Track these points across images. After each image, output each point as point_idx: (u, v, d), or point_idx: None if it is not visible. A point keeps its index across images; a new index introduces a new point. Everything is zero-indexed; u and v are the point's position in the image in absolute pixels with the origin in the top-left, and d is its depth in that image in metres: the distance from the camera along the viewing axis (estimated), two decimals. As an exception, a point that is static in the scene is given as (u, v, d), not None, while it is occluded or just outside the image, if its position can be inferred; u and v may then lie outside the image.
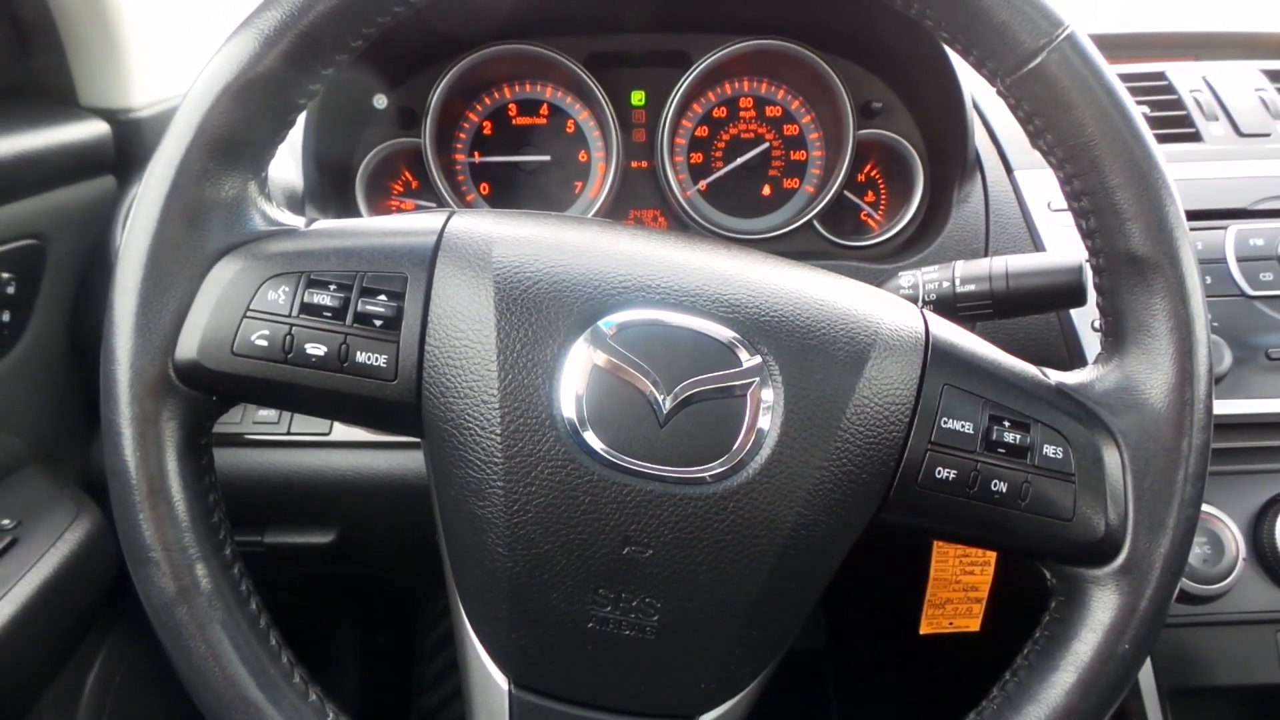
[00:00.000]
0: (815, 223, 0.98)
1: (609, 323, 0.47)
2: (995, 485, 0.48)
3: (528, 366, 0.46)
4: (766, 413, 0.46)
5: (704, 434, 0.46)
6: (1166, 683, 0.80)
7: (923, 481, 0.48)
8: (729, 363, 0.47)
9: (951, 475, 0.48)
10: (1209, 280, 0.83)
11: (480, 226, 0.50)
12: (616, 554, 0.46)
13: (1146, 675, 0.80)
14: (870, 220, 1.02)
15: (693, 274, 0.49)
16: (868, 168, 1.02)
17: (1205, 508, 0.79)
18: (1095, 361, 0.52)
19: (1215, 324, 0.82)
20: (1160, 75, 0.97)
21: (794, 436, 0.46)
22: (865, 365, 0.48)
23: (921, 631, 0.82)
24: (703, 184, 1.02)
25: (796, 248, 0.98)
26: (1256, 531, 0.80)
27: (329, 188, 0.94)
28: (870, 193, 1.03)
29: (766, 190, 1.03)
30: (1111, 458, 0.49)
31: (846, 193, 1.01)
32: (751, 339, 0.47)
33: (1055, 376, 0.51)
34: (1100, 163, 0.48)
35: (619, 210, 1.03)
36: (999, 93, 0.51)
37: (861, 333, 0.48)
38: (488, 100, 1.03)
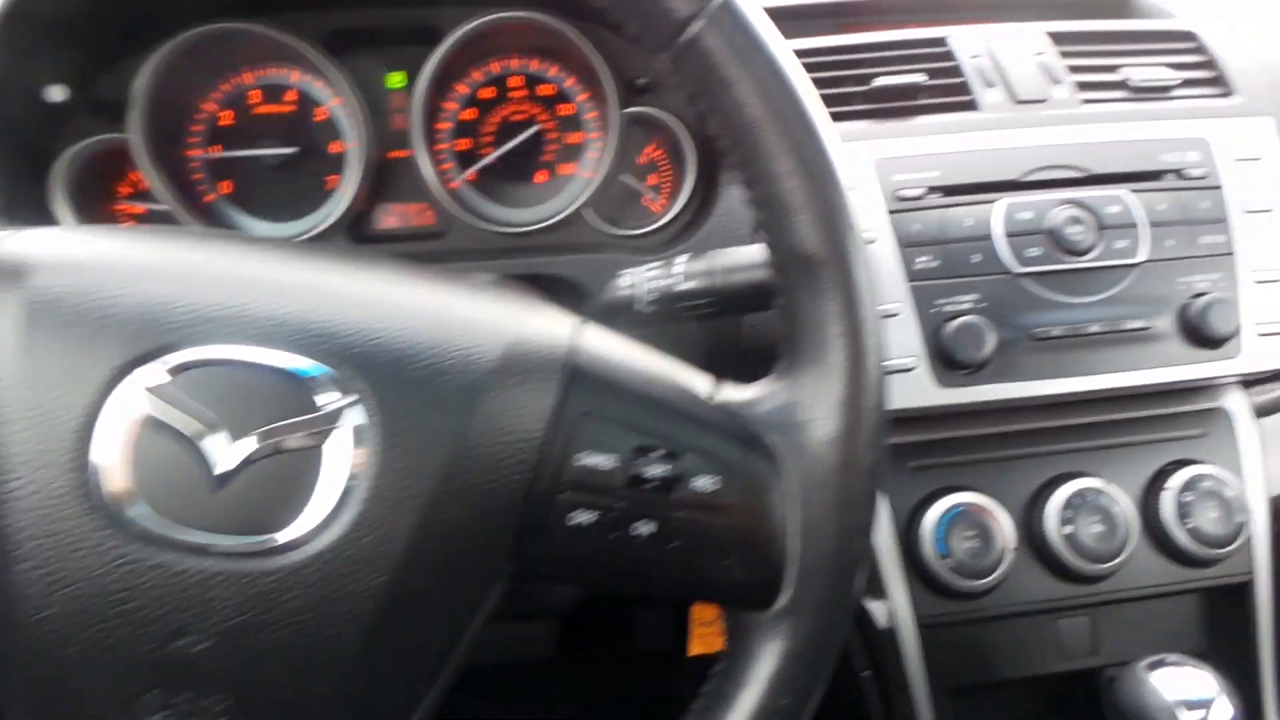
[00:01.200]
0: (583, 212, 0.91)
1: (164, 362, 0.39)
2: (641, 527, 0.42)
3: (51, 423, 0.38)
4: (355, 463, 0.39)
5: (275, 494, 0.38)
6: (945, 682, 0.77)
7: (555, 530, 0.41)
8: (311, 406, 0.39)
9: (591, 519, 0.41)
10: (977, 259, 0.79)
11: (16, 249, 0.41)
12: (163, 649, 0.38)
13: (918, 677, 0.76)
14: (654, 205, 0.96)
15: (282, 297, 0.41)
16: (649, 149, 0.95)
17: (974, 497, 0.75)
18: (771, 375, 0.46)
19: (983, 304, 0.78)
20: (941, 41, 0.93)
21: (388, 489, 0.39)
22: (482, 397, 0.41)
23: (691, 653, 0.76)
24: (471, 173, 0.94)
25: (569, 239, 0.91)
26: (1029, 520, 0.76)
27: (19, 194, 0.82)
28: (653, 175, 0.96)
29: (542, 176, 0.96)
30: (773, 486, 0.43)
31: (626, 176, 0.94)
32: (344, 374, 0.40)
33: (724, 394, 0.45)
34: (764, 147, 0.42)
35: (378, 205, 0.93)
36: (664, 71, 0.44)
37: (481, 358, 0.41)
38: (225, 87, 0.92)
